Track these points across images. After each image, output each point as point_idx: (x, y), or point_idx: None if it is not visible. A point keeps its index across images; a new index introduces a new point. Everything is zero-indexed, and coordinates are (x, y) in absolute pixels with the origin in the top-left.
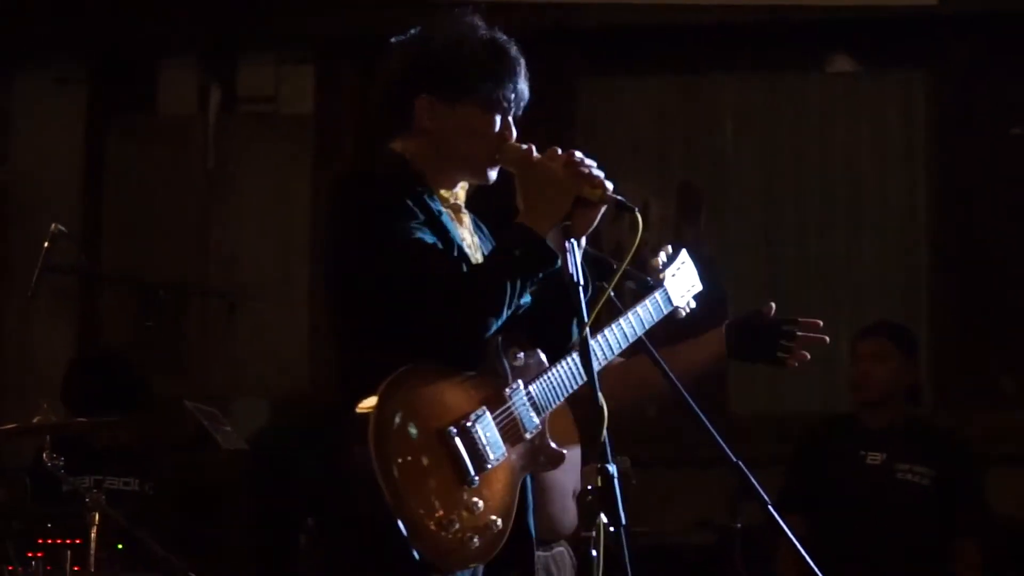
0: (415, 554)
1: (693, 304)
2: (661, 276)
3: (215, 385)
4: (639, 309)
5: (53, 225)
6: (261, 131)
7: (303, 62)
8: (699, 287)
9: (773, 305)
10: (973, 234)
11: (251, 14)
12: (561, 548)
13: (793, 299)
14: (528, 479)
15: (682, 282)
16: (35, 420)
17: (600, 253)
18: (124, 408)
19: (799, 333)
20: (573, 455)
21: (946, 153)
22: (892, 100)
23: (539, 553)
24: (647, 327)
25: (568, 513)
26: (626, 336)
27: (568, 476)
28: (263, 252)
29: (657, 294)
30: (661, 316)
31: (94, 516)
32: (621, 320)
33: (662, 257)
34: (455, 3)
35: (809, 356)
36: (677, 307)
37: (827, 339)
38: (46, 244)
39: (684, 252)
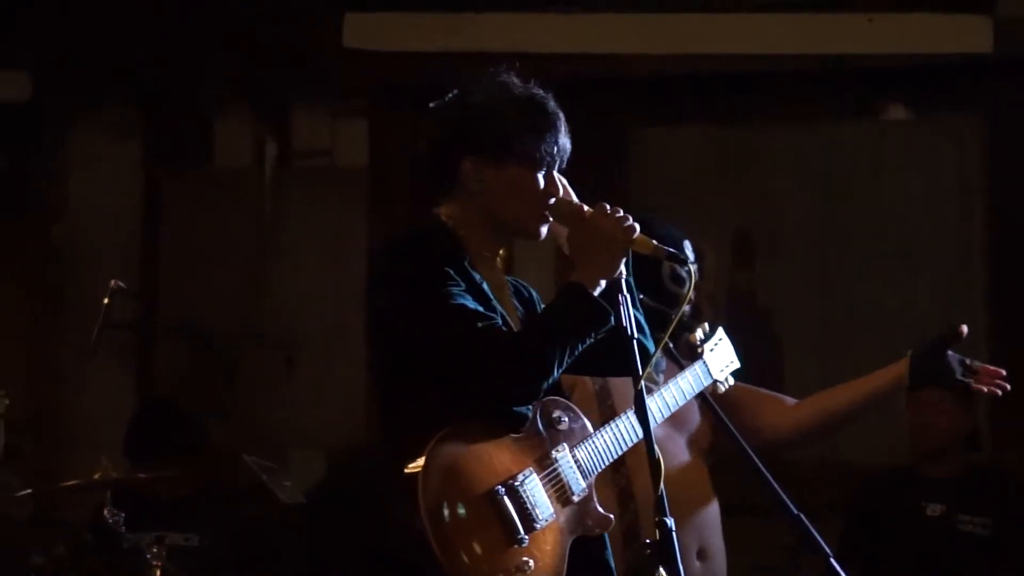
0: None
1: (732, 381)
2: (700, 350)
3: (271, 437)
4: (680, 380)
5: (113, 281)
6: (316, 183)
7: (358, 115)
8: (737, 364)
9: (965, 328)
10: None
11: (305, 67)
12: None
13: (848, 346)
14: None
15: (721, 357)
16: (95, 476)
17: (655, 303)
18: (184, 458)
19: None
20: (695, 512)
21: (1001, 198)
22: (946, 147)
23: None
24: (688, 398)
25: (691, 573)
26: (668, 406)
27: (688, 536)
28: (319, 303)
29: (697, 366)
30: (701, 388)
31: (155, 572)
32: (663, 390)
33: (699, 334)
34: (506, 55)
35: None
36: (717, 380)
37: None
38: (106, 300)
39: (720, 330)
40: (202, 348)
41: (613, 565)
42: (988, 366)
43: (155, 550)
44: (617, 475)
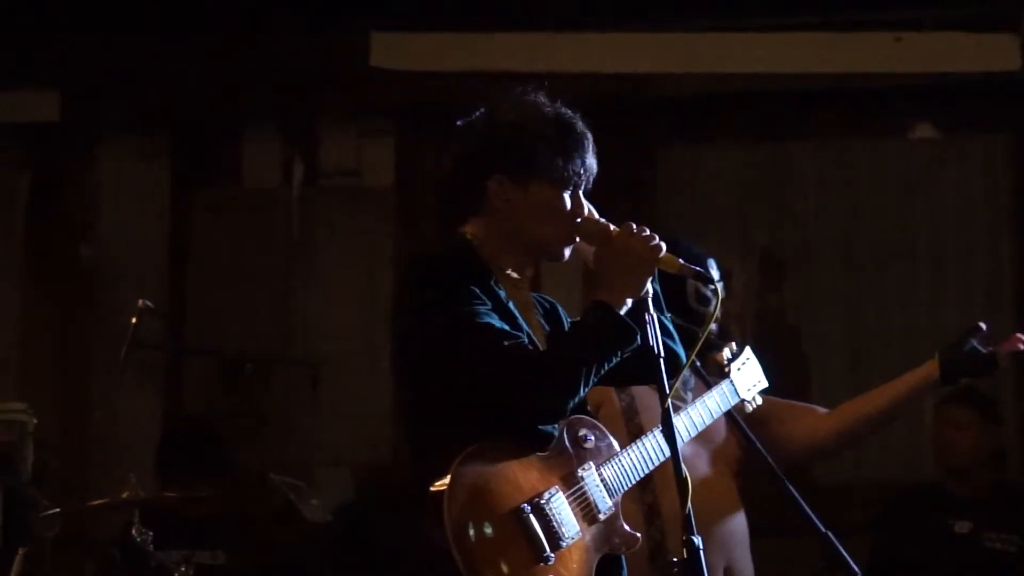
0: None
1: (760, 400)
2: (727, 369)
3: (298, 456)
4: (707, 399)
5: (141, 301)
6: (344, 203)
7: (384, 134)
8: (764, 383)
9: (984, 325)
10: None
11: (332, 87)
12: None
13: (876, 365)
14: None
15: (748, 377)
16: (124, 495)
17: (682, 322)
18: (212, 478)
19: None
20: (721, 530)
21: None
22: (975, 165)
23: None
24: (715, 417)
25: None
26: (695, 424)
27: (713, 554)
28: (346, 323)
29: (724, 385)
30: (728, 407)
31: None
32: (689, 409)
33: (727, 353)
34: (534, 74)
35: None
36: (744, 400)
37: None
38: (134, 320)
39: (748, 349)
40: (229, 368)
41: None
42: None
43: (183, 569)
44: (644, 492)
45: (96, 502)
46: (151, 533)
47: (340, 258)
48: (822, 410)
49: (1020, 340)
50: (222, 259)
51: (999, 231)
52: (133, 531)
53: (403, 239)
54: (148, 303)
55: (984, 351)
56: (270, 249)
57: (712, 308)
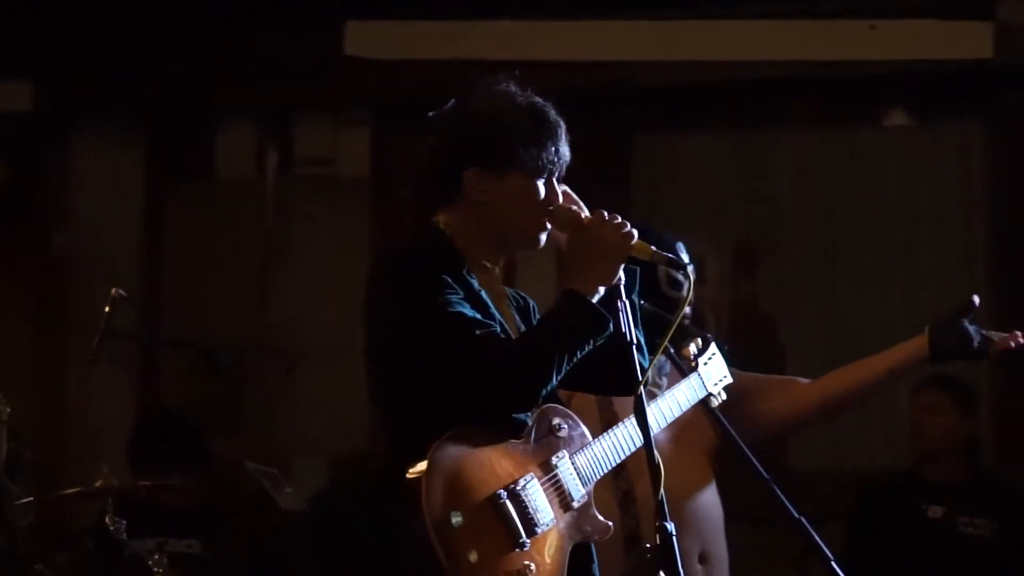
0: None
1: (724, 395)
2: (694, 364)
3: (274, 446)
4: (676, 391)
5: (114, 290)
6: (318, 193)
7: (359, 124)
8: (730, 379)
9: (976, 298)
10: None
11: (306, 77)
12: None
13: (851, 353)
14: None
15: (714, 371)
16: (97, 484)
17: (655, 308)
18: (189, 469)
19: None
20: (697, 516)
21: (1004, 204)
22: (949, 152)
23: None
24: (683, 410)
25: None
26: (664, 417)
27: (689, 539)
28: (322, 313)
29: (692, 379)
30: (696, 400)
31: None
32: (659, 400)
33: (693, 348)
34: (510, 63)
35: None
36: (711, 393)
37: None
38: (107, 309)
39: (713, 344)
40: (204, 357)
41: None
42: (1003, 334)
43: (156, 557)
44: (618, 479)
45: (69, 491)
46: (124, 522)
47: (315, 248)
48: (804, 381)
49: (1016, 338)
50: (197, 249)
51: (973, 218)
52: (107, 520)
53: (379, 229)
54: (122, 292)
55: (976, 341)
56: (245, 239)
57: (685, 292)
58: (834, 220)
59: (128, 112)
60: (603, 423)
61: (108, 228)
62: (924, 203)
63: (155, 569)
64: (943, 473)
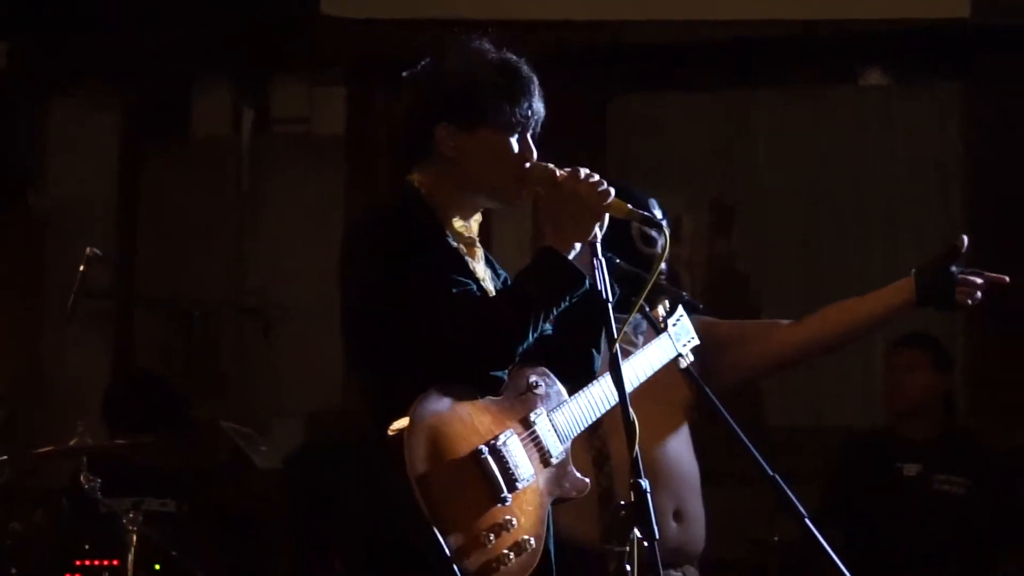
0: (458, 573)
1: (692, 357)
2: (663, 325)
3: (251, 405)
4: (647, 351)
5: (89, 249)
6: (294, 152)
7: (336, 83)
8: (696, 340)
9: (965, 238)
10: (1008, 246)
11: (283, 36)
12: (670, 572)
13: None
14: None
15: (682, 332)
16: (72, 442)
17: (631, 267)
18: (165, 428)
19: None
20: (669, 475)
21: (981, 164)
22: (926, 112)
23: (669, 573)
24: (655, 369)
25: (667, 534)
26: (638, 376)
27: (662, 496)
28: (298, 272)
29: (663, 339)
30: (667, 360)
31: (132, 537)
32: (631, 360)
33: (661, 310)
34: (487, 22)
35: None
36: (680, 354)
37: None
38: (82, 268)
39: (680, 307)
40: (180, 317)
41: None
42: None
43: (131, 515)
44: (593, 438)
45: (44, 450)
46: (99, 481)
47: (291, 207)
48: (785, 322)
49: (1001, 279)
50: (173, 208)
51: (950, 177)
52: (81, 479)
53: (354, 187)
54: (96, 251)
55: (959, 299)
56: (221, 198)
57: (660, 249)
58: (811, 179)
59: (104, 72)
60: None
61: (84, 188)
62: (901, 162)
63: (130, 528)
64: (918, 431)
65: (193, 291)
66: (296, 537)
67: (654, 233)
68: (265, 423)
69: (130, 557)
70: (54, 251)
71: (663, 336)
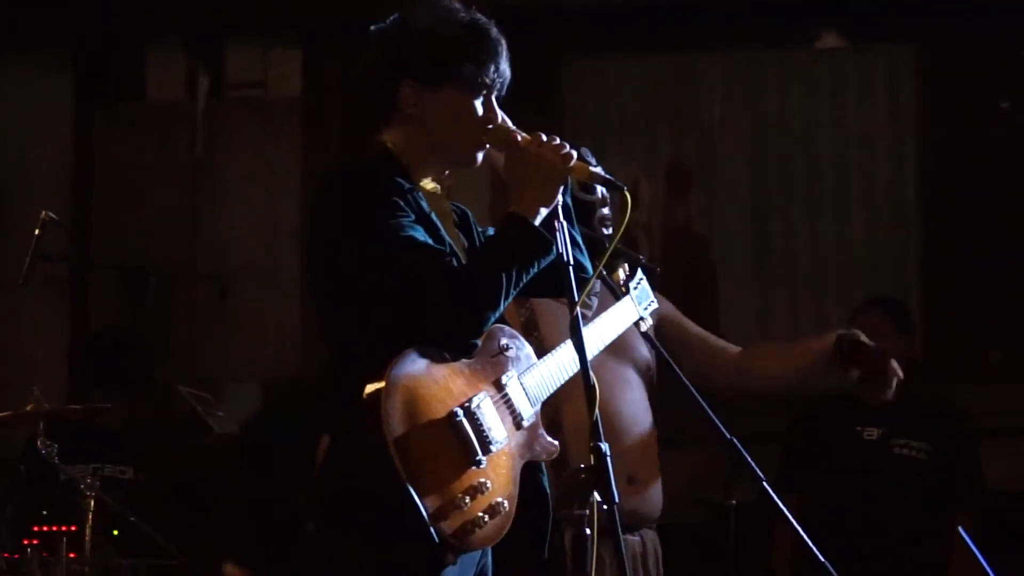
0: (435, 535)
1: (651, 320)
2: (624, 288)
3: (206, 370)
4: (608, 316)
5: (43, 213)
6: (249, 116)
7: (291, 46)
8: (656, 304)
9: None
10: (962, 208)
11: None
12: (627, 536)
13: (782, 276)
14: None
15: (642, 296)
16: (28, 407)
17: (592, 232)
18: (127, 390)
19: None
20: (623, 440)
21: (935, 127)
22: (880, 75)
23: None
24: (617, 334)
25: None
26: (602, 340)
27: (617, 462)
28: (253, 236)
29: (625, 302)
30: (629, 324)
31: (89, 502)
32: (592, 324)
33: (621, 273)
34: None
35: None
36: (641, 317)
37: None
38: (36, 232)
39: (640, 270)
40: (135, 281)
41: (548, 489)
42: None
43: (88, 481)
44: (546, 405)
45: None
46: (56, 446)
47: (246, 171)
48: (732, 350)
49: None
50: (127, 173)
51: (904, 141)
52: (38, 444)
53: (310, 151)
54: (51, 215)
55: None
56: (176, 163)
57: (625, 218)
58: (764, 142)
59: (56, 34)
60: (532, 345)
61: (37, 151)
62: (855, 125)
63: (87, 493)
64: (878, 396)
65: (149, 255)
66: (253, 500)
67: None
68: (222, 388)
69: (88, 523)
70: (7, 215)
71: (625, 299)
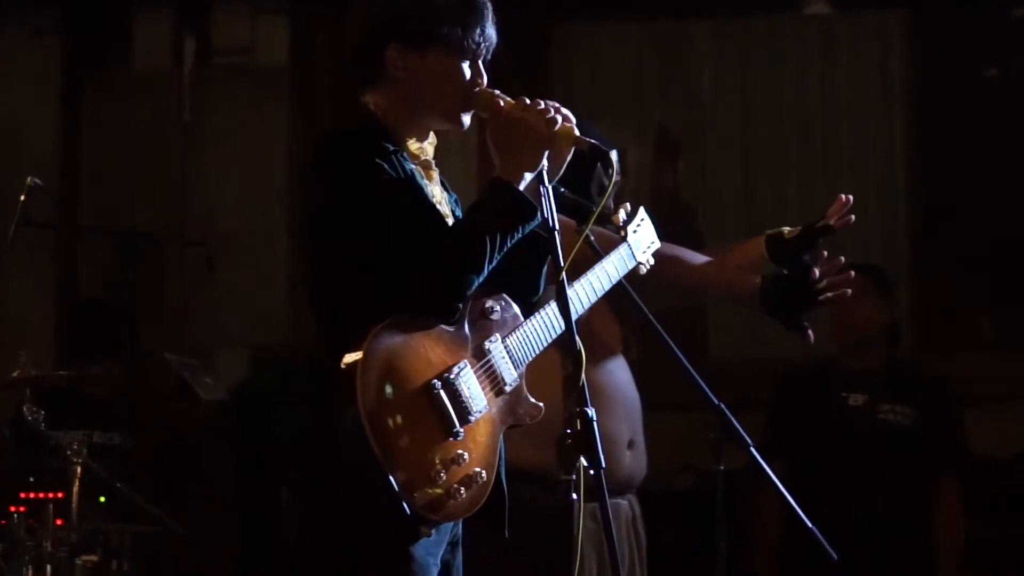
0: (406, 507)
1: (653, 261)
2: (623, 232)
3: (194, 337)
4: (606, 264)
5: (29, 178)
6: (237, 82)
7: (278, 12)
8: (658, 244)
9: (826, 253)
10: (951, 175)
11: None
12: (618, 500)
13: None
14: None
15: (643, 238)
16: (14, 373)
17: (577, 197)
18: (112, 358)
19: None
20: (625, 405)
21: (923, 95)
22: (868, 42)
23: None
24: (614, 282)
25: (622, 463)
26: (594, 290)
27: (620, 427)
28: (240, 203)
29: (622, 248)
30: (626, 271)
31: (76, 469)
32: (588, 275)
33: (622, 214)
34: None
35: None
36: (639, 263)
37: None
38: (22, 197)
39: (642, 209)
40: (123, 248)
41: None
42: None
43: (76, 447)
44: (567, 362)
45: None
46: (43, 412)
47: (234, 137)
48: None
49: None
50: (115, 139)
51: (893, 107)
52: (25, 410)
53: (297, 118)
54: (37, 181)
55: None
56: (163, 128)
57: (612, 179)
58: (753, 109)
59: (43, 2)
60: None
61: (24, 117)
62: (843, 92)
63: (74, 460)
64: (864, 361)
65: (136, 222)
66: (239, 467)
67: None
68: (209, 355)
69: (75, 489)
70: None
71: (622, 246)
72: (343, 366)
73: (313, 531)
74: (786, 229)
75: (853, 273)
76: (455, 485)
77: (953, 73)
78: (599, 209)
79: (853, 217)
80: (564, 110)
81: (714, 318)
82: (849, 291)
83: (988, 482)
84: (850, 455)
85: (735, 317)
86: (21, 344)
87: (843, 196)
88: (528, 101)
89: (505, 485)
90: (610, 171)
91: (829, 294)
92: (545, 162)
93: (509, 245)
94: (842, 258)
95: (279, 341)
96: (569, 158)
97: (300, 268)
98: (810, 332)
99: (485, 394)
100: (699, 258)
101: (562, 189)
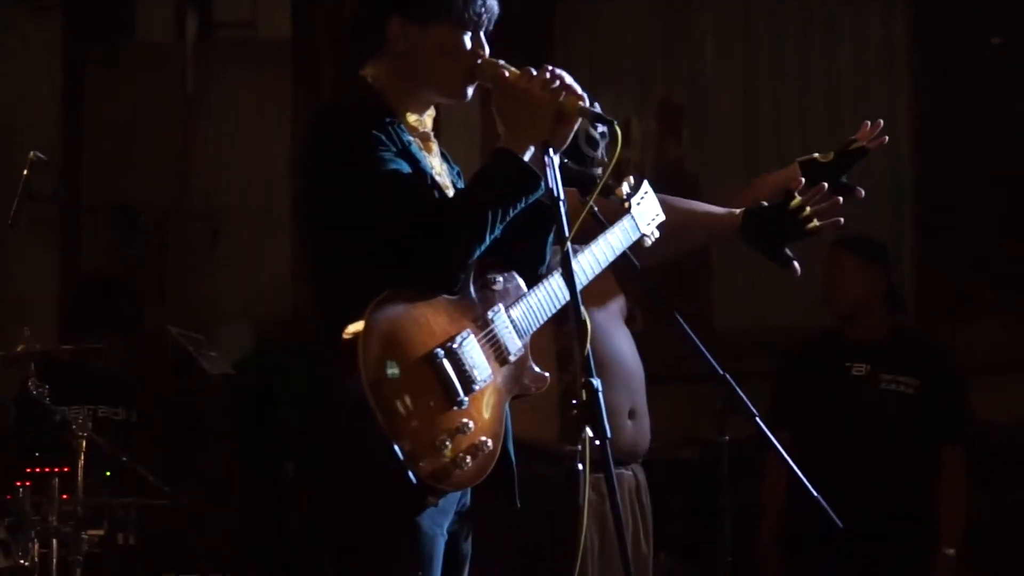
0: (412, 477)
1: (658, 233)
2: (627, 204)
3: (198, 311)
4: (609, 235)
5: (32, 153)
6: (239, 56)
7: None
8: (662, 216)
9: (803, 180)
10: (955, 147)
11: None
12: (622, 470)
13: None
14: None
15: (647, 211)
16: (19, 348)
17: (580, 167)
18: (118, 332)
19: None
20: (625, 375)
21: (927, 66)
22: (872, 14)
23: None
24: (618, 253)
25: (623, 432)
26: (598, 261)
27: (620, 396)
28: (244, 177)
29: (626, 220)
30: (630, 242)
31: (81, 443)
32: (592, 246)
33: (625, 187)
34: None
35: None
36: (644, 235)
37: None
38: (25, 172)
39: (646, 183)
40: (126, 222)
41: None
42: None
43: (81, 421)
44: (559, 333)
45: None
46: (48, 387)
47: (236, 111)
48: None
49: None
50: (117, 113)
51: (896, 76)
52: (29, 384)
53: (300, 91)
54: (40, 155)
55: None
56: (166, 103)
57: (615, 148)
58: (757, 83)
59: None
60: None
61: (26, 92)
62: (847, 64)
63: (79, 434)
64: (865, 331)
65: (139, 196)
66: (244, 441)
67: (597, 136)
68: (214, 329)
69: (80, 463)
70: None
71: (626, 218)
72: (345, 337)
73: (318, 503)
74: (817, 155)
75: (862, 192)
76: (460, 454)
77: (958, 40)
78: (603, 180)
79: (887, 138)
80: (569, 79)
81: (719, 289)
82: (842, 220)
83: (991, 449)
84: (854, 424)
85: (740, 288)
86: (25, 319)
87: (868, 122)
88: (534, 71)
89: (513, 456)
90: (607, 137)
91: (817, 222)
92: (549, 133)
93: (512, 215)
94: (824, 184)
95: (283, 314)
96: (576, 128)
97: (301, 241)
98: (795, 264)
99: (489, 363)
100: (689, 203)
101: (565, 160)
